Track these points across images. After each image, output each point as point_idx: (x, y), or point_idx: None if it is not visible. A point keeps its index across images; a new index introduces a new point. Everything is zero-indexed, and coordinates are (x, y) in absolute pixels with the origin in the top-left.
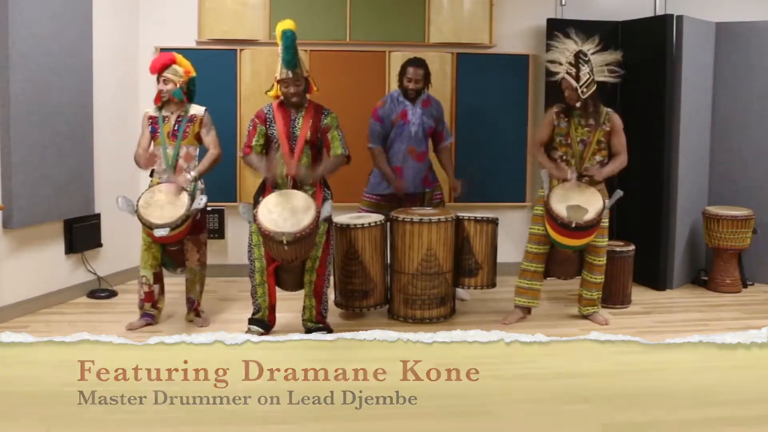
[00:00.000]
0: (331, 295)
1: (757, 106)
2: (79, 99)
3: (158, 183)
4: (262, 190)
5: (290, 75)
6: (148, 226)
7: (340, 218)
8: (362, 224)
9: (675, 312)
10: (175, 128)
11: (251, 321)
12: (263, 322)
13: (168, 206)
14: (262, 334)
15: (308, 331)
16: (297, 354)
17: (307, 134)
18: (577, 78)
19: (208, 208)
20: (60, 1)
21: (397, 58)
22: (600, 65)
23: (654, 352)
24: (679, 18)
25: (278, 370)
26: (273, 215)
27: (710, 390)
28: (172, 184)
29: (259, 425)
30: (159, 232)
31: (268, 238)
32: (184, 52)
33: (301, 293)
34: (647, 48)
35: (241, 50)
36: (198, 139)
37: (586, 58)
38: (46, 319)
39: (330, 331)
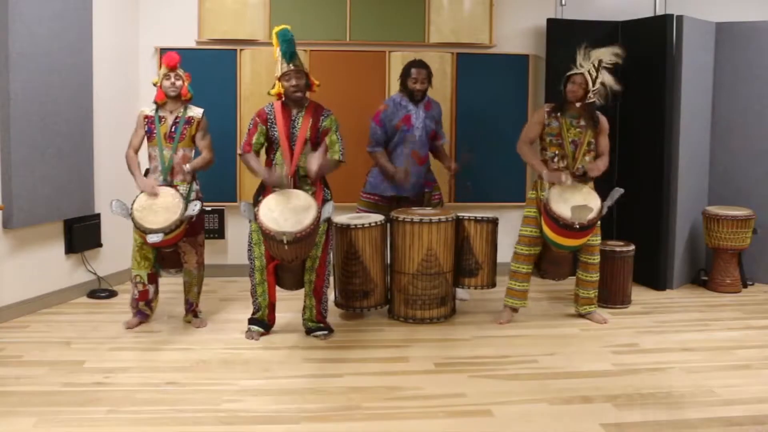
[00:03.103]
0: (331, 295)
1: (757, 106)
2: (79, 99)
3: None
4: (262, 190)
5: (291, 68)
6: (142, 231)
7: (340, 218)
8: (362, 224)
9: (675, 312)
10: (173, 130)
11: (251, 321)
12: (263, 321)
13: (162, 211)
14: (262, 333)
15: (308, 330)
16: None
17: (307, 133)
18: (594, 81)
19: (208, 208)
20: (60, 1)
21: (397, 58)
22: (602, 80)
23: (654, 352)
24: (679, 18)
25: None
26: (274, 214)
27: (710, 390)
28: (167, 187)
29: (262, 425)
30: (152, 239)
31: (268, 237)
32: (184, 52)
33: (301, 293)
34: (647, 48)
35: (241, 50)
36: (194, 140)
37: (601, 68)
38: (46, 319)
39: (330, 331)
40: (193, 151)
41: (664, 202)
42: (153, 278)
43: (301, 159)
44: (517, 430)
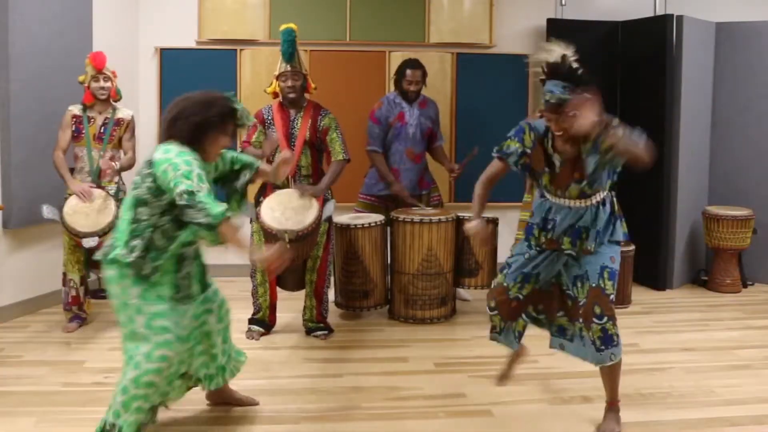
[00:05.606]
0: (331, 295)
1: (757, 106)
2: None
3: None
4: (263, 190)
5: (288, 68)
6: (75, 235)
7: (340, 218)
8: (362, 224)
9: (675, 312)
10: (102, 131)
11: (251, 321)
12: (263, 322)
13: (94, 213)
14: (262, 334)
15: (309, 331)
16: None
17: (306, 134)
18: None
19: None
20: (60, 1)
21: (397, 58)
22: None
23: (654, 352)
24: (679, 18)
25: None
26: (276, 213)
27: (710, 390)
28: (98, 189)
29: (262, 425)
30: (88, 243)
31: (270, 236)
32: (184, 52)
33: (301, 294)
34: (647, 48)
35: (241, 50)
36: (120, 141)
37: None
38: (46, 319)
39: (330, 331)
40: (121, 152)
41: (664, 202)
42: (83, 281)
43: (302, 159)
44: (517, 430)
